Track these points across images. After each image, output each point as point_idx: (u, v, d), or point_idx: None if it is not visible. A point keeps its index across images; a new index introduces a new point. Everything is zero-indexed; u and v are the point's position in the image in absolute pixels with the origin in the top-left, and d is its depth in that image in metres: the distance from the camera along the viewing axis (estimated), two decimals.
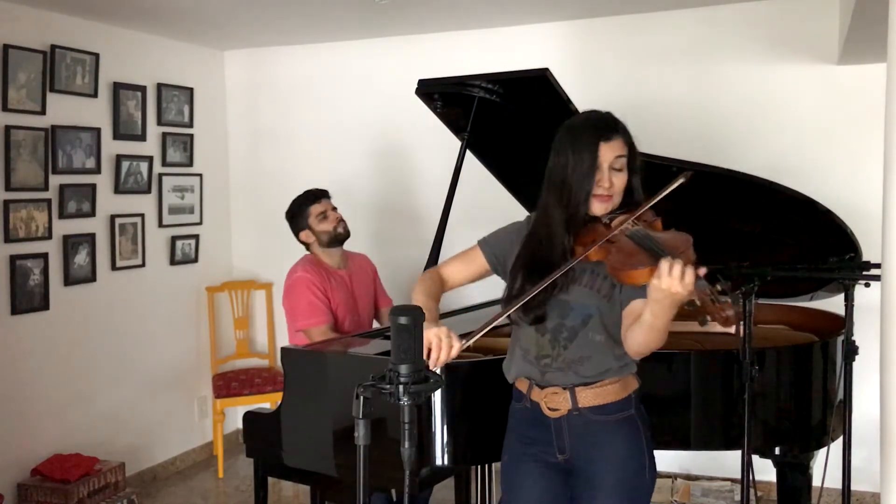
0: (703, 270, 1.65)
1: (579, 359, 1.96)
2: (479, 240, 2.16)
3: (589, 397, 1.96)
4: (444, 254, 3.00)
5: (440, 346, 1.81)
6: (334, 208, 3.47)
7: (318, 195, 3.46)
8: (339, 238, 3.43)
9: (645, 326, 1.77)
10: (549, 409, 1.99)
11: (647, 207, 1.87)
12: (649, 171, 2.73)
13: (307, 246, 3.48)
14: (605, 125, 1.95)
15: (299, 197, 3.49)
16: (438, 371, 1.82)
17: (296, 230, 3.46)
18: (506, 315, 1.91)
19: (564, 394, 1.97)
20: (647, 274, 1.70)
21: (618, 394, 1.98)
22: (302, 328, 3.26)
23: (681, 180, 1.83)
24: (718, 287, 1.63)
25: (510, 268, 2.06)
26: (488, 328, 1.84)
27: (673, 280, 1.62)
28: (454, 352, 1.83)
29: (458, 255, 2.18)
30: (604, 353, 1.96)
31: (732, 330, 1.63)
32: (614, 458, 1.97)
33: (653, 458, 2.03)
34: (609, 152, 1.92)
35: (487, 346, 2.92)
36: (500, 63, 4.12)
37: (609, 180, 1.92)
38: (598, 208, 1.94)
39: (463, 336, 1.85)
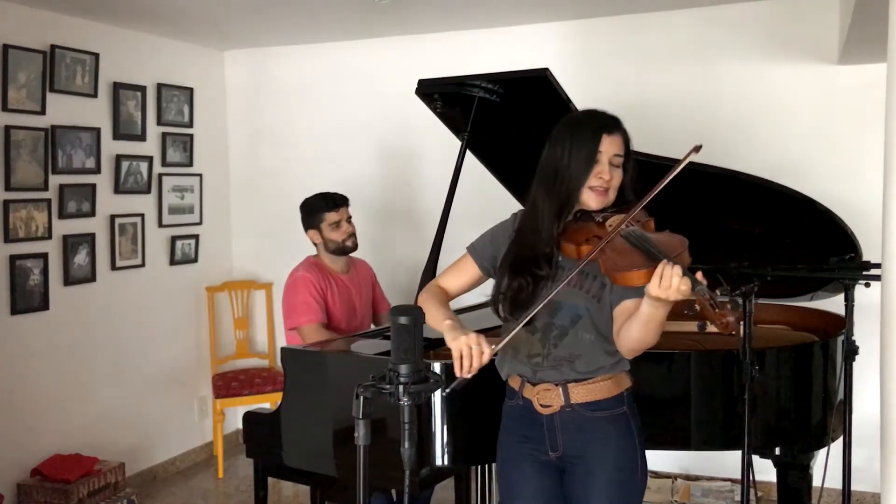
0: (700, 275, 1.65)
1: (569, 356, 1.96)
2: (467, 246, 2.16)
3: (581, 393, 1.97)
4: (444, 254, 3.01)
5: (471, 354, 1.83)
6: (349, 218, 3.43)
7: (337, 202, 3.39)
8: (345, 250, 3.41)
9: (641, 322, 1.77)
10: (541, 405, 2.00)
11: (643, 204, 1.84)
12: (650, 171, 2.73)
13: (315, 245, 3.46)
14: (609, 120, 1.97)
15: (318, 197, 3.42)
16: (468, 377, 1.84)
17: (305, 227, 3.43)
18: (527, 318, 1.88)
19: (556, 390, 1.98)
20: (643, 276, 1.69)
21: (610, 391, 1.98)
22: (294, 325, 3.27)
23: (684, 164, 1.80)
24: (718, 292, 1.63)
25: (499, 266, 2.06)
26: (518, 328, 1.85)
27: (670, 285, 1.62)
28: (485, 358, 1.84)
29: (451, 266, 2.18)
30: (594, 352, 1.96)
31: (734, 333, 1.62)
32: (606, 456, 1.97)
33: (644, 457, 2.03)
34: (610, 146, 1.93)
35: None
36: (500, 63, 4.11)
37: (609, 173, 1.93)
38: (594, 201, 1.94)
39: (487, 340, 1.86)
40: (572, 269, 1.85)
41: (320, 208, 3.38)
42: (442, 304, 2.07)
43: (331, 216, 3.36)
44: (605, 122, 1.95)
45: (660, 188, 1.81)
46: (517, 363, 2.03)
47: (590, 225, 1.92)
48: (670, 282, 1.62)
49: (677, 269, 1.63)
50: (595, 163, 1.92)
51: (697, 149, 1.81)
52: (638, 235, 1.81)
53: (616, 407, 1.99)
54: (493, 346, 1.85)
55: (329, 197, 3.41)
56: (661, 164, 2.75)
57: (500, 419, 2.14)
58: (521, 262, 1.98)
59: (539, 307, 1.85)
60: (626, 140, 1.98)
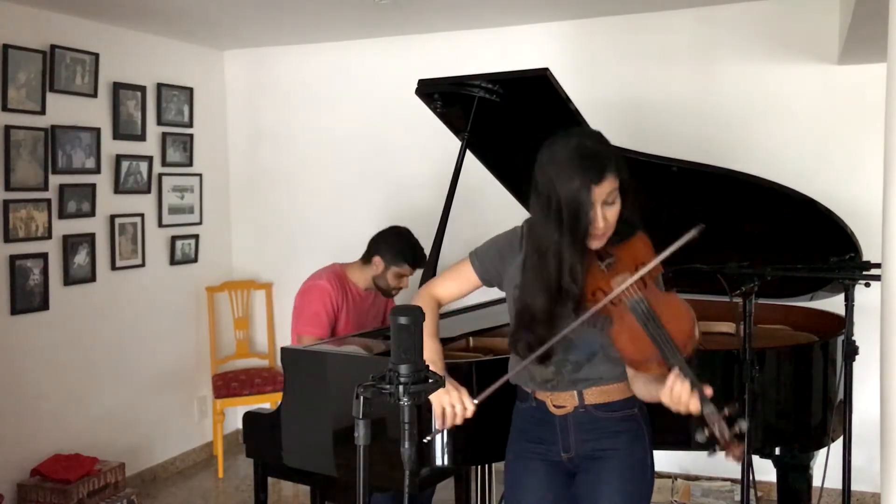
0: (709, 391, 1.70)
1: (585, 378, 1.98)
2: (470, 252, 2.12)
3: (594, 395, 1.98)
4: (444, 254, 3.01)
5: (454, 413, 1.86)
6: (411, 273, 3.39)
7: (416, 262, 3.31)
8: (384, 294, 3.42)
9: (647, 396, 1.90)
10: (555, 406, 2.00)
11: (650, 268, 1.81)
12: (650, 171, 2.73)
13: (365, 263, 3.37)
14: (594, 164, 1.79)
15: (410, 247, 3.30)
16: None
17: (376, 252, 3.32)
18: (528, 362, 1.88)
19: (571, 392, 1.99)
20: (655, 368, 1.78)
21: (623, 392, 2.00)
22: (297, 333, 3.28)
23: (691, 234, 1.74)
24: (727, 411, 1.68)
25: (517, 290, 1.97)
26: (503, 381, 1.86)
27: (680, 400, 1.71)
28: (469, 414, 1.87)
29: (450, 270, 2.14)
30: (606, 372, 1.98)
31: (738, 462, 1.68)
32: (617, 458, 1.98)
33: (653, 460, 2.05)
34: (601, 192, 1.80)
35: (487, 346, 2.92)
36: (500, 63, 4.12)
37: (602, 218, 1.82)
38: (594, 244, 1.87)
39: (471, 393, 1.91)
40: (578, 319, 1.82)
41: (404, 259, 3.29)
42: (431, 333, 2.01)
43: (404, 269, 3.32)
44: (591, 170, 1.78)
45: (662, 257, 1.81)
46: (530, 382, 2.04)
47: (595, 271, 1.88)
48: (679, 397, 1.71)
49: (686, 387, 1.70)
50: (590, 209, 1.80)
51: (701, 231, 1.76)
52: (644, 311, 1.80)
53: (628, 408, 2.01)
54: (476, 401, 1.88)
55: (416, 253, 3.31)
56: (661, 164, 2.77)
57: (500, 419, 2.14)
58: (542, 313, 1.88)
59: (542, 351, 1.84)
60: (618, 171, 1.82)
